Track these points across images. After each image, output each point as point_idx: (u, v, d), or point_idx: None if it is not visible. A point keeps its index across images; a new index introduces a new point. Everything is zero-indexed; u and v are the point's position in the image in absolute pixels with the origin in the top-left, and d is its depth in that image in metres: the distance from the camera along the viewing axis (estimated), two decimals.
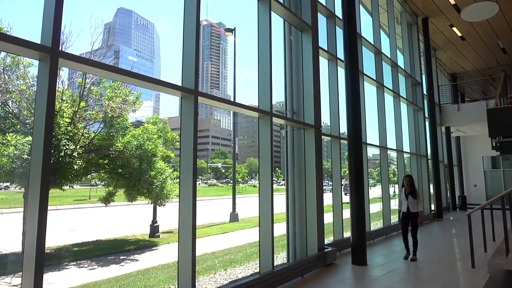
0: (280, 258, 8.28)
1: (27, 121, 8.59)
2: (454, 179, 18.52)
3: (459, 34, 15.99)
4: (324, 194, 7.39)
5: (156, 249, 11.06)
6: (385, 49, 12.24)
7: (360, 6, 11.11)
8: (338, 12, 8.90)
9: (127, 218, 18.11)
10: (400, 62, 13.61)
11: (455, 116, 17.19)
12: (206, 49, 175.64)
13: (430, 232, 11.31)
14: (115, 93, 10.01)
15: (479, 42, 16.74)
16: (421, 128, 14.66)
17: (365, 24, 11.31)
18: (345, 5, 7.72)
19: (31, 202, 2.98)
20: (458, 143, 20.39)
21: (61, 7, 3.22)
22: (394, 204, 12.71)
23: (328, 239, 8.23)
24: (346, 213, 7.86)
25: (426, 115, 15.51)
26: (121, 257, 9.77)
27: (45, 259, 3.03)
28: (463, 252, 7.69)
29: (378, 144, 10.90)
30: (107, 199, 11.41)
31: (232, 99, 7.67)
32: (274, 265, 5.62)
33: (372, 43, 11.14)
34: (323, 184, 7.54)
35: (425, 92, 15.63)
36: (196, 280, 4.45)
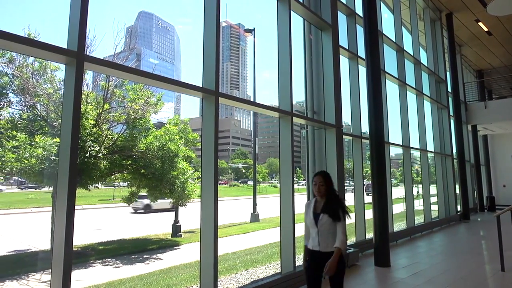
0: (302, 258, 8.23)
1: (55, 123, 8.88)
2: (482, 179, 17.91)
3: (486, 29, 15.46)
4: (345, 194, 7.31)
5: (178, 248, 11.21)
6: (408, 46, 11.97)
7: (381, 3, 10.91)
8: (359, 10, 8.78)
9: (149, 217, 18.43)
10: (423, 59, 13.28)
11: (482, 114, 16.62)
12: (226, 50, 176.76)
13: (457, 233, 10.99)
14: (137, 95, 10.20)
15: (506, 36, 16.13)
16: (445, 127, 14.25)
17: (386, 22, 11.11)
18: (366, 2, 7.60)
19: (59, 202, 3.08)
20: (485, 142, 19.72)
21: (86, 13, 3.32)
22: (419, 204, 12.43)
23: (350, 240, 8.12)
24: (368, 214, 7.73)
25: (451, 113, 15.07)
26: (145, 256, 9.96)
27: (73, 257, 3.12)
28: (491, 255, 7.43)
29: (401, 144, 10.68)
30: (130, 199, 11.65)
31: (252, 100, 7.69)
32: (296, 265, 5.60)
33: (394, 41, 10.92)
34: (345, 184, 7.45)
35: (449, 89, 15.19)
36: (218, 280, 4.48)
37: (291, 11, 6.34)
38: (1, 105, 8.40)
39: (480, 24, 15.07)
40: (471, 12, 14.17)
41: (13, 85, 8.68)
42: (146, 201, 19.40)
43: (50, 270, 3.16)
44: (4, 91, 8.57)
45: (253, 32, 20.33)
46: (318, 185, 3.41)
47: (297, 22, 7.03)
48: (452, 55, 15.20)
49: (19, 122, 8.62)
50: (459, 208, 14.41)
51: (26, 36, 7.95)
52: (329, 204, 3.36)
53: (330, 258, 3.18)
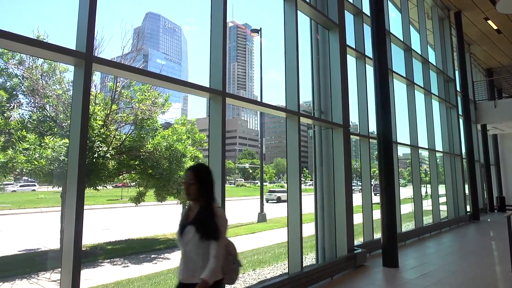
0: (309, 259, 8.21)
1: (64, 124, 8.97)
2: (492, 179, 17.67)
3: (495, 27, 15.26)
4: (353, 194, 7.27)
5: None
6: (415, 45, 11.87)
7: (389, 2, 10.83)
8: (366, 9, 8.73)
9: (157, 218, 18.53)
10: (432, 58, 13.16)
11: (492, 113, 16.40)
12: (233, 50, 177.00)
13: (466, 234, 10.87)
14: (145, 95, 10.26)
15: None
16: (454, 126, 14.11)
17: (394, 21, 11.03)
18: (373, 1, 7.56)
19: (69, 202, 3.11)
20: (495, 141, 19.46)
21: (94, 15, 3.35)
22: (427, 204, 12.31)
23: (358, 240, 8.08)
24: (376, 214, 7.69)
25: (460, 112, 14.91)
26: (152, 256, 10.01)
27: (82, 256, 3.15)
28: (502, 256, 7.33)
29: (409, 143, 10.59)
30: (137, 199, 11.71)
31: (259, 100, 7.68)
32: (303, 266, 5.58)
33: (402, 40, 10.84)
34: (352, 184, 7.41)
35: (458, 88, 15.03)
36: None
37: (298, 11, 6.32)
38: (12, 106, 8.51)
39: (489, 22, 14.89)
40: (480, 10, 14.01)
41: (23, 87, 8.79)
42: (278, 194, 29.62)
43: (59, 269, 3.19)
44: (14, 92, 8.69)
45: (259, 32, 20.34)
46: (186, 184, 2.42)
47: (304, 22, 7.01)
48: (461, 53, 15.03)
49: (28, 123, 8.73)
50: (468, 208, 14.24)
51: (36, 38, 8.04)
52: (200, 213, 2.36)
53: None
